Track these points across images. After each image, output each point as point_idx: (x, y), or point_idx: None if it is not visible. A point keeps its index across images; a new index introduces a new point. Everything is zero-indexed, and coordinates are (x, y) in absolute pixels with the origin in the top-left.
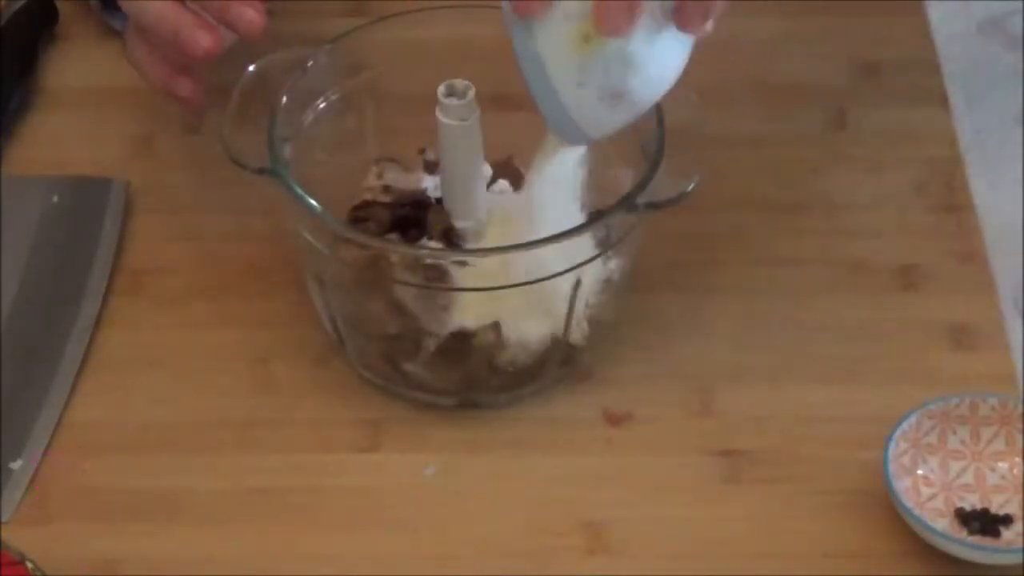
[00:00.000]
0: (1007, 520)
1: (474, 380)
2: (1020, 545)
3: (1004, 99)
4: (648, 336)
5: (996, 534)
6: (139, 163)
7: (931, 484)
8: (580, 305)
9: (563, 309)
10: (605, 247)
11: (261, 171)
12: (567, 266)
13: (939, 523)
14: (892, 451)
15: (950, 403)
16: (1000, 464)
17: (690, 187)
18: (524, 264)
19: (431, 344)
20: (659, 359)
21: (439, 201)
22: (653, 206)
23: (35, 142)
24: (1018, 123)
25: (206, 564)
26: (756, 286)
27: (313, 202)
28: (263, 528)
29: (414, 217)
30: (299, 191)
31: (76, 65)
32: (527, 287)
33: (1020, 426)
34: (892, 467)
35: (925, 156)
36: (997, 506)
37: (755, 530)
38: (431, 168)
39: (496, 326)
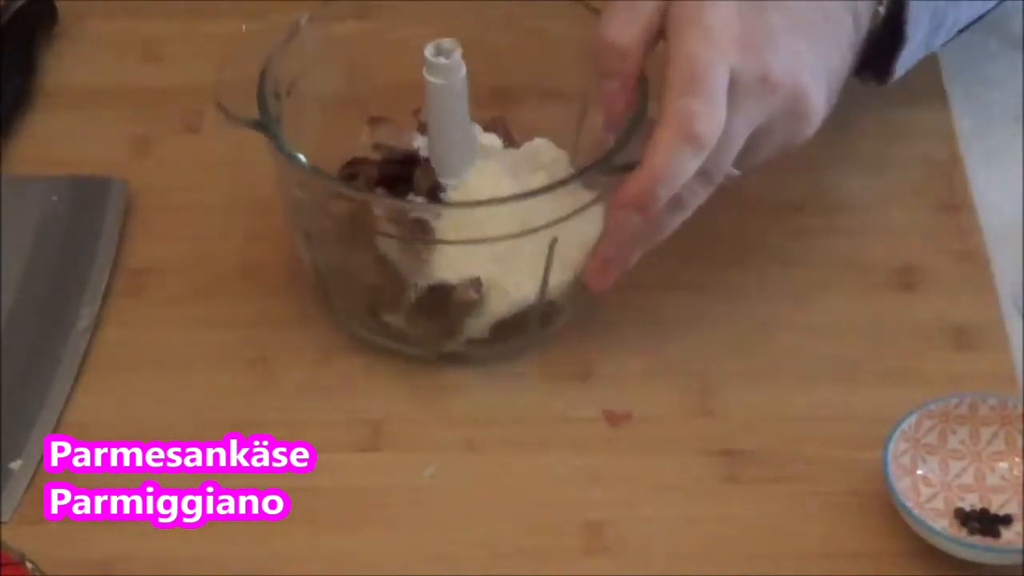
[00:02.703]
0: (1007, 520)
1: (453, 333)
2: (1020, 545)
3: (1004, 99)
4: (648, 336)
5: (996, 534)
6: (139, 163)
7: (931, 484)
8: (557, 263)
9: (541, 266)
10: (582, 206)
11: (254, 124)
12: (543, 222)
13: (939, 523)
14: (892, 451)
15: (950, 403)
16: (1000, 464)
17: None
18: (501, 219)
19: (411, 296)
20: (659, 359)
21: (428, 160)
22: (629, 167)
23: (35, 142)
24: (1018, 123)
25: (205, 564)
26: (756, 286)
27: (301, 157)
28: (263, 528)
29: (402, 174)
30: (286, 147)
31: (76, 65)
32: (505, 243)
33: (1020, 426)
34: (892, 467)
35: (925, 156)
36: (997, 506)
37: (755, 530)
38: (424, 129)
39: (476, 282)
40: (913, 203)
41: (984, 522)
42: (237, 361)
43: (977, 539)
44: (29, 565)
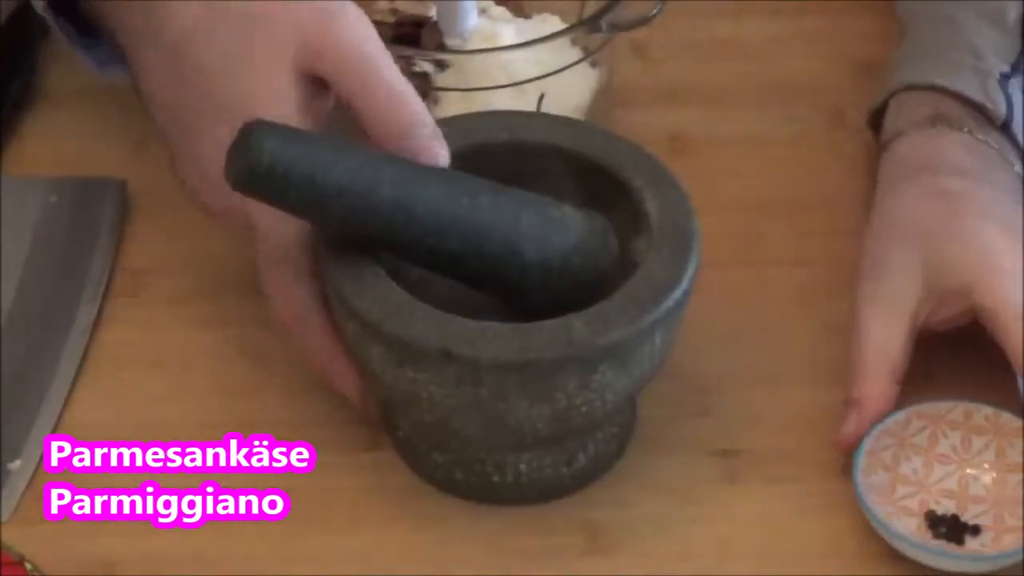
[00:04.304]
0: (975, 530)
1: None
2: (983, 554)
3: None
4: None
5: (960, 541)
6: (139, 163)
7: (909, 483)
8: None
9: None
10: (569, 64)
11: None
12: (532, 76)
13: (907, 522)
14: (873, 446)
15: (943, 406)
16: (986, 476)
17: (654, 11)
18: (493, 71)
19: None
20: None
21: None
22: (615, 27)
23: (34, 142)
24: None
25: (205, 564)
26: (756, 286)
27: None
28: (263, 528)
29: (412, 35)
30: None
31: (76, 65)
32: (498, 97)
33: (1012, 440)
34: (868, 460)
35: None
36: (972, 516)
37: (755, 530)
38: None
39: None
40: None
41: (952, 528)
42: (237, 361)
43: (941, 543)
44: (28, 566)
